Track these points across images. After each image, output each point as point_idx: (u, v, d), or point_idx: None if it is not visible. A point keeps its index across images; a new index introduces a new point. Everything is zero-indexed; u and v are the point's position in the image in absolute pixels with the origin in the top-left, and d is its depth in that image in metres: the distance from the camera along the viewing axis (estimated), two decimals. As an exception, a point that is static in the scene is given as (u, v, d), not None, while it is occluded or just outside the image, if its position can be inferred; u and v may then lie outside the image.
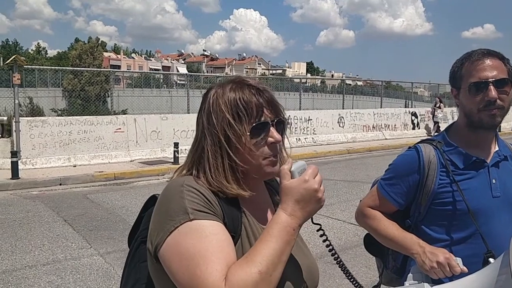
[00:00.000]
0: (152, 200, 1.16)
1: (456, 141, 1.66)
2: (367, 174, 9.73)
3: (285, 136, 1.16)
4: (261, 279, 0.91)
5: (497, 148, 1.68)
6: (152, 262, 1.03)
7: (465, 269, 1.40)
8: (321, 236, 1.18)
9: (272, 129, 1.09)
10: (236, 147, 1.07)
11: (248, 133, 1.07)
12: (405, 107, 23.02)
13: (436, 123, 18.17)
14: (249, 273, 0.91)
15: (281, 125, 1.13)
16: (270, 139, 1.09)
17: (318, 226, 1.17)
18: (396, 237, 1.63)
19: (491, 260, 1.44)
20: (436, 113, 18.29)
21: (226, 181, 1.07)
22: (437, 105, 18.55)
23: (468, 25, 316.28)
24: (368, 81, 44.37)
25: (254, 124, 1.07)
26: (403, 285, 1.45)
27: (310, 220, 1.07)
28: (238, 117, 1.07)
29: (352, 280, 1.27)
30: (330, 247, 1.20)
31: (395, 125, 18.41)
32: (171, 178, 1.14)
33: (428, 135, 17.62)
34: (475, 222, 1.54)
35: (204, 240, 0.95)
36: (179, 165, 1.19)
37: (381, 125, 17.91)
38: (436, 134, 18.86)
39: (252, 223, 1.11)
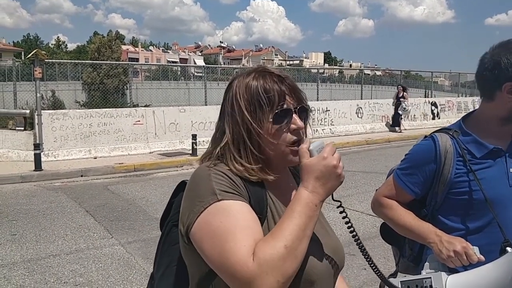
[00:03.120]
0: (182, 186, 1.21)
1: (475, 130, 1.64)
2: (386, 165, 9.64)
3: (308, 124, 1.20)
4: (287, 253, 0.94)
5: None
6: (184, 243, 1.07)
7: (482, 257, 1.40)
8: (341, 213, 1.19)
9: (295, 116, 1.12)
10: (259, 135, 1.10)
11: (270, 120, 1.10)
12: (425, 97, 22.66)
13: (399, 115, 16.39)
14: (275, 247, 0.94)
15: (304, 112, 1.16)
16: (292, 125, 1.12)
17: (338, 203, 1.18)
18: (413, 226, 1.63)
19: (508, 249, 1.44)
20: (403, 104, 16.35)
21: (249, 167, 1.10)
22: (401, 95, 16.50)
23: (492, 12, 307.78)
24: (387, 71, 43.79)
25: (276, 111, 1.10)
26: (420, 273, 1.46)
27: (330, 197, 1.10)
28: (260, 104, 1.10)
29: (368, 259, 1.28)
30: (349, 224, 1.20)
31: (414, 115, 18.16)
32: (200, 161, 1.19)
33: (390, 130, 16.48)
34: (493, 211, 1.53)
35: (231, 218, 0.99)
36: (203, 153, 1.22)
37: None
38: (398, 130, 15.73)
39: (277, 205, 1.14)
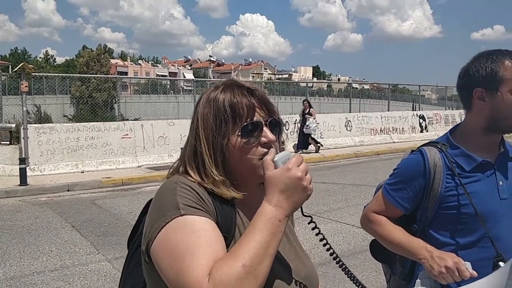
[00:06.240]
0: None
1: (462, 143, 1.62)
2: (375, 178, 9.66)
3: (281, 138, 1.15)
4: (245, 272, 0.88)
5: (502, 150, 1.65)
6: (145, 260, 1.02)
7: (474, 273, 1.37)
8: (313, 229, 1.15)
9: (266, 129, 1.08)
10: (222, 150, 1.06)
11: (238, 133, 1.06)
12: (412, 110, 22.89)
13: (307, 135, 14.04)
14: (232, 266, 0.88)
15: (276, 125, 1.11)
16: (263, 139, 1.07)
17: (309, 219, 1.13)
18: (403, 242, 1.60)
19: (501, 264, 1.41)
20: (308, 122, 13.86)
21: (215, 183, 1.06)
22: (307, 111, 14.15)
23: (477, 27, 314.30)
24: (375, 84, 44.26)
25: (245, 124, 1.06)
26: None
27: (300, 212, 1.05)
28: (225, 119, 1.06)
29: (349, 275, 1.25)
30: (324, 241, 1.17)
31: (402, 128, 18.31)
32: (166, 177, 1.14)
33: (296, 152, 13.45)
34: (484, 225, 1.51)
35: (193, 235, 0.94)
36: (170, 168, 1.18)
37: (389, 129, 17.82)
38: (300, 151, 13.79)
39: (247, 225, 1.07)
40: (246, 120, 1.06)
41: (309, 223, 1.14)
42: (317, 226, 1.14)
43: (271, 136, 1.07)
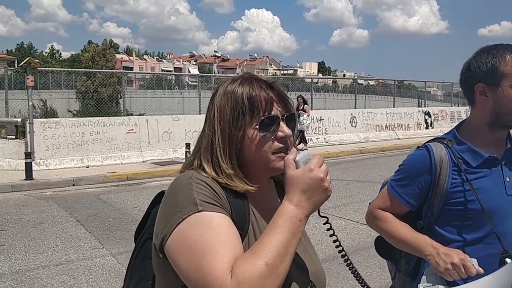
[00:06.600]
0: (160, 196, 1.15)
1: (468, 139, 1.61)
2: (380, 174, 9.63)
3: (295, 133, 1.15)
4: (268, 271, 0.88)
5: (509, 145, 1.64)
6: (157, 256, 1.00)
7: (481, 270, 1.36)
8: (328, 230, 1.15)
9: (282, 124, 1.08)
10: (239, 142, 1.06)
11: (256, 127, 1.06)
12: (418, 106, 22.81)
13: (300, 132, 13.44)
14: (255, 264, 0.88)
15: (292, 120, 1.11)
16: (280, 133, 1.07)
17: (325, 220, 1.14)
18: (409, 238, 1.59)
19: (507, 260, 1.40)
20: (301, 118, 13.46)
21: (230, 177, 1.06)
22: (301, 108, 13.77)
23: (485, 23, 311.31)
24: (380, 80, 44.10)
25: (263, 118, 1.06)
26: (416, 287, 1.42)
27: (317, 212, 1.05)
28: (243, 111, 1.06)
29: (358, 278, 1.24)
30: (337, 243, 1.17)
31: (408, 124, 18.24)
32: (180, 172, 1.13)
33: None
34: (490, 221, 1.49)
35: (211, 231, 0.93)
36: (184, 163, 1.17)
37: (394, 125, 17.76)
38: (302, 148, 13.72)
39: (260, 221, 1.08)
40: (264, 114, 1.06)
41: (324, 224, 1.15)
42: (332, 227, 1.15)
43: (287, 130, 1.08)
